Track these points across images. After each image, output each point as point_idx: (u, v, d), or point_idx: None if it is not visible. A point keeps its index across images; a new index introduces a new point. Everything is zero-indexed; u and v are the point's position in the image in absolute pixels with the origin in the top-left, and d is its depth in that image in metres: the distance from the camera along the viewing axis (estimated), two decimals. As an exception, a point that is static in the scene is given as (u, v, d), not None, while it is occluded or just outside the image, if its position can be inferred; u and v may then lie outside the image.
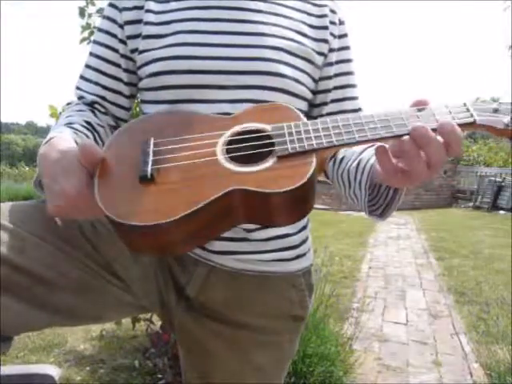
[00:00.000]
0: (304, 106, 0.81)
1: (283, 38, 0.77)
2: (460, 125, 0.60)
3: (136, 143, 0.65)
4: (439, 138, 0.58)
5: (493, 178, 10.88)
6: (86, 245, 0.72)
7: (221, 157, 0.62)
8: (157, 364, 2.18)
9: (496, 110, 0.62)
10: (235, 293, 0.78)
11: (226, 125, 0.66)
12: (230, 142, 0.64)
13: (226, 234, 0.70)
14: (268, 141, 0.63)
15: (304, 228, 0.85)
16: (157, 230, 0.56)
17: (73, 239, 0.71)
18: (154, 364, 2.19)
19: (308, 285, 0.85)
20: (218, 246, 0.76)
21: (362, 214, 0.77)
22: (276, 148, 0.62)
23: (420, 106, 0.62)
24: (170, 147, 0.64)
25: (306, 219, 0.86)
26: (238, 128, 0.65)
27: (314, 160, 0.60)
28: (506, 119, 0.61)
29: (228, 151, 0.63)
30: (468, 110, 0.62)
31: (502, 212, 10.06)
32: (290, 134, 0.63)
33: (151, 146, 0.63)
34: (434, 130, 0.59)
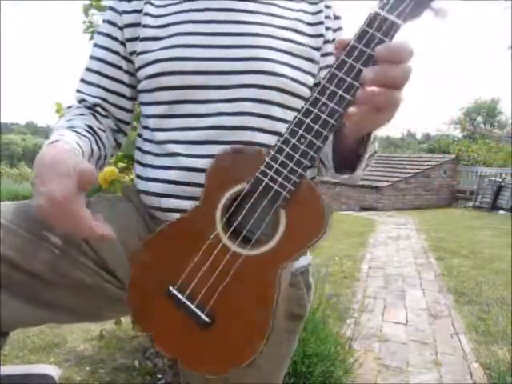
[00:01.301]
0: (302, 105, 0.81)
1: (278, 37, 0.78)
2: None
3: (153, 286, 0.66)
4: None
5: (493, 178, 10.88)
6: (84, 244, 0.73)
7: (244, 252, 0.62)
8: (157, 364, 2.18)
9: None
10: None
11: (209, 217, 0.64)
12: (232, 236, 0.63)
13: None
14: (262, 204, 0.62)
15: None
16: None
17: (71, 239, 0.72)
18: (154, 364, 2.20)
19: (306, 283, 0.86)
20: None
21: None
22: (275, 204, 0.61)
23: (344, 47, 0.57)
24: (194, 286, 0.64)
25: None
26: (224, 203, 0.64)
27: (308, 180, 0.62)
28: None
29: (238, 239, 0.63)
30: (388, 19, 0.55)
31: (501, 212, 10.06)
32: (273, 179, 0.61)
33: (179, 295, 0.64)
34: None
